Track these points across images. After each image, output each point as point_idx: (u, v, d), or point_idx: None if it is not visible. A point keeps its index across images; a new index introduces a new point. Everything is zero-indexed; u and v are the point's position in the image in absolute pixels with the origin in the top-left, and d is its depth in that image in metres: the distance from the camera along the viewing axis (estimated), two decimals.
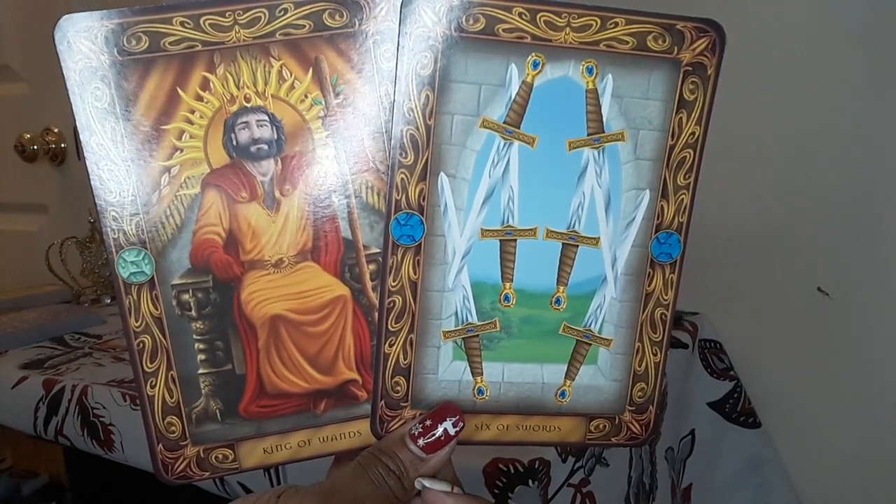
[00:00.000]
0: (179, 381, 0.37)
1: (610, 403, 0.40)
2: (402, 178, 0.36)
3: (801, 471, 0.96)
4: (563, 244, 0.38)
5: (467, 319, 0.38)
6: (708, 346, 0.96)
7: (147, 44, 0.35)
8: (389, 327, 0.37)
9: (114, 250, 0.36)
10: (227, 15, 0.35)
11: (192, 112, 0.36)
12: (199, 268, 0.37)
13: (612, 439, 0.40)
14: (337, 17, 0.36)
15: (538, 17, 0.35)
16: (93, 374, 0.86)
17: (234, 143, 0.37)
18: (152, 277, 0.36)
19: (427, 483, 0.35)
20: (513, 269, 0.38)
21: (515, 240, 0.38)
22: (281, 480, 0.65)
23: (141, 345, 0.37)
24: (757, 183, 0.94)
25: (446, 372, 0.38)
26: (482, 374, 0.39)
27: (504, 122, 0.36)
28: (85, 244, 1.24)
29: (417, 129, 0.36)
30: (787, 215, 0.92)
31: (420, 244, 0.37)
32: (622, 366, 0.40)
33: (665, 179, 0.38)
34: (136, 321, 0.37)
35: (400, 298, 0.37)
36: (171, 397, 0.37)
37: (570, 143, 0.37)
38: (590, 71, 0.36)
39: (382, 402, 0.38)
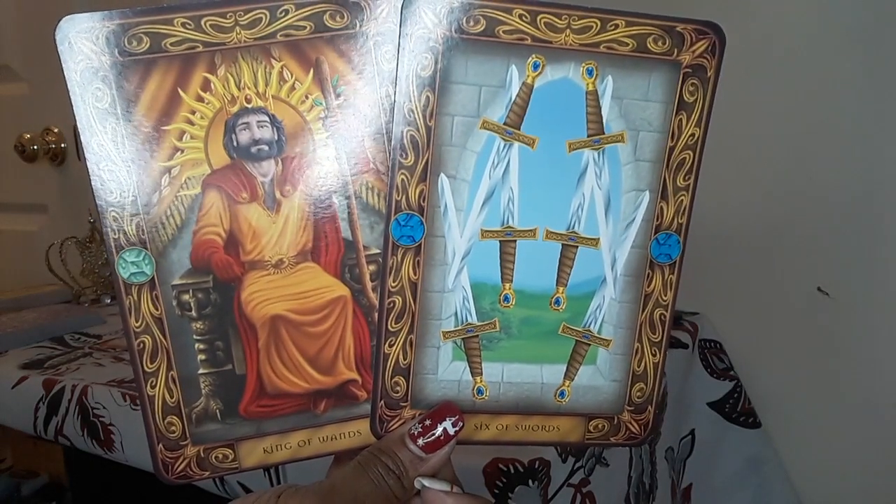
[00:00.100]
0: (180, 381, 0.37)
1: (609, 403, 0.40)
2: (403, 179, 0.36)
3: (801, 471, 0.96)
4: (562, 245, 0.38)
5: (467, 320, 0.38)
6: (708, 346, 0.96)
7: (148, 44, 0.35)
8: (389, 327, 0.37)
9: (114, 250, 0.36)
10: (228, 16, 0.35)
11: (193, 113, 0.36)
12: (199, 268, 0.37)
13: (611, 439, 0.40)
14: (338, 19, 0.36)
15: (538, 18, 0.35)
16: (93, 374, 0.86)
17: (235, 143, 0.37)
18: (153, 278, 0.37)
19: (427, 482, 0.35)
20: (512, 269, 0.38)
21: (515, 241, 0.38)
22: (281, 480, 0.65)
23: (141, 345, 0.37)
24: (757, 183, 0.94)
25: (446, 372, 0.38)
26: (482, 374, 0.39)
27: (504, 124, 0.36)
28: (85, 244, 1.24)
29: (418, 130, 0.36)
30: (787, 215, 0.92)
31: (420, 245, 0.37)
32: (621, 366, 0.40)
33: (665, 181, 0.38)
34: (137, 321, 0.37)
35: (400, 299, 0.37)
36: (172, 397, 0.37)
37: (570, 145, 0.37)
38: (590, 72, 0.36)
39: (382, 402, 0.38)
